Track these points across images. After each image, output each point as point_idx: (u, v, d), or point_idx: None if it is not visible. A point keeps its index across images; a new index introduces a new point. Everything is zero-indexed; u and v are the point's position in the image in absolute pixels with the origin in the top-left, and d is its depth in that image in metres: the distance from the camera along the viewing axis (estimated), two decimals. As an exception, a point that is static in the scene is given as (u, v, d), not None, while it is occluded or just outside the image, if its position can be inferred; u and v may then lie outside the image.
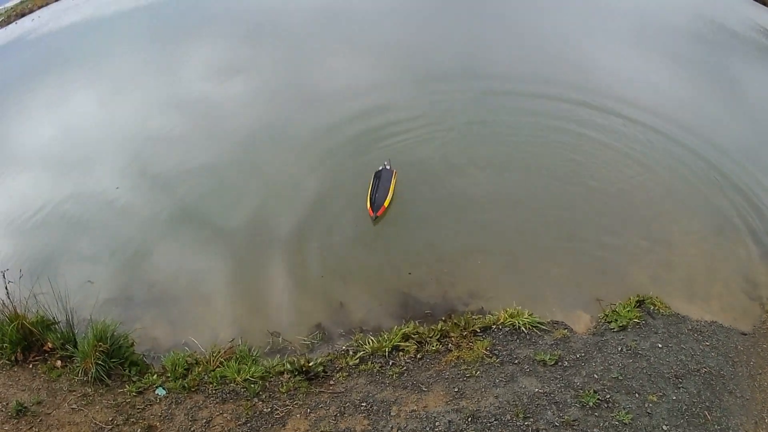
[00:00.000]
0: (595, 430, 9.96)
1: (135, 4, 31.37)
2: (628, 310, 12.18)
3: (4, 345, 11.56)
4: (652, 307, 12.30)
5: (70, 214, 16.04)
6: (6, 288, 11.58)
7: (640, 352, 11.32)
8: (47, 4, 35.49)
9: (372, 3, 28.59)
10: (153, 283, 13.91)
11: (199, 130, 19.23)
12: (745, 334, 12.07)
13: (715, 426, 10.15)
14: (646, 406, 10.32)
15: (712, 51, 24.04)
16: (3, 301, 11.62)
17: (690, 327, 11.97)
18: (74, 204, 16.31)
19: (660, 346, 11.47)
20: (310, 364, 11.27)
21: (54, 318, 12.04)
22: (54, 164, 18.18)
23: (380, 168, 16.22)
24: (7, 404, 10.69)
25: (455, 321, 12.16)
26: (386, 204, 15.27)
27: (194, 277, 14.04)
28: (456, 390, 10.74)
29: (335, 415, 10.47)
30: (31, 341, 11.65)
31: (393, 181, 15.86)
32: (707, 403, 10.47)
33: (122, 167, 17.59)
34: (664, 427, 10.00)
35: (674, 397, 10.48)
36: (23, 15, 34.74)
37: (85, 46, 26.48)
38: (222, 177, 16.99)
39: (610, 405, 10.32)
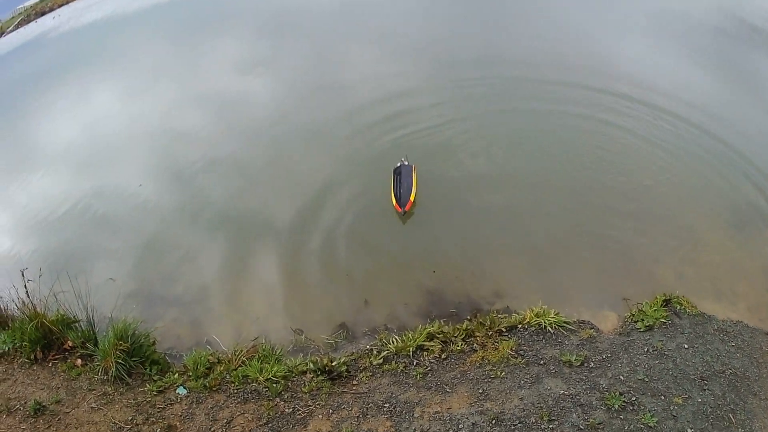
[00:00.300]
0: (620, 433, 9.67)
1: (155, 1, 31.16)
2: (655, 310, 11.76)
3: (24, 344, 11.34)
4: (678, 307, 11.87)
5: (92, 212, 15.84)
6: (25, 287, 11.28)
7: (666, 352, 10.94)
8: (68, 3, 35.34)
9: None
10: (175, 281, 13.64)
11: (220, 125, 18.96)
12: (771, 334, 11.71)
13: (740, 429, 9.78)
14: (672, 408, 9.95)
15: (735, 45, 23.53)
16: (23, 299, 11.37)
17: (716, 327, 11.55)
18: (96, 202, 16.07)
19: (686, 346, 11.08)
20: (333, 364, 10.94)
21: (74, 316, 11.77)
22: (75, 162, 18.03)
23: (398, 164, 15.86)
24: (25, 403, 10.45)
25: (481, 320, 11.77)
26: (412, 198, 14.91)
27: (218, 274, 13.74)
28: (480, 391, 10.39)
29: (358, 416, 10.15)
30: (51, 340, 11.42)
31: (414, 176, 15.53)
32: (732, 406, 10.10)
33: (145, 164, 17.37)
34: (689, 430, 9.64)
35: (699, 399, 10.12)
36: (43, 13, 34.66)
37: (106, 44, 26.35)
38: (244, 173, 16.71)
39: (635, 407, 9.96)
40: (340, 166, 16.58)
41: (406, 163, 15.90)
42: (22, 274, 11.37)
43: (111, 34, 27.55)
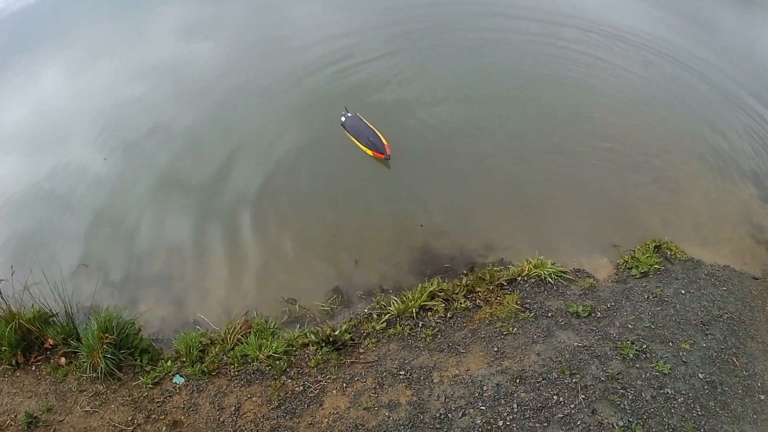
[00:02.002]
0: (638, 382, 8.80)
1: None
2: (648, 256, 10.89)
3: (3, 348, 9.04)
4: (669, 252, 11.08)
5: (52, 194, 12.96)
6: (-3, 286, 9.08)
7: (666, 299, 10.15)
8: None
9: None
10: (150, 259, 11.12)
11: (177, 92, 15.91)
12: (757, 279, 11.14)
13: (743, 372, 9.29)
14: (681, 354, 9.25)
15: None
16: (-3, 301, 9.11)
17: (706, 272, 10.87)
18: (55, 183, 13.05)
19: (683, 292, 10.34)
20: (336, 333, 9.41)
21: (51, 310, 9.54)
22: (31, 145, 15.27)
23: (342, 118, 13.99)
24: (15, 416, 8.42)
25: (479, 275, 10.47)
26: (385, 141, 13.16)
27: (194, 247, 11.48)
28: (495, 349, 9.21)
29: (374, 388, 8.76)
30: (30, 340, 9.19)
31: (367, 122, 13.77)
32: (734, 350, 9.55)
33: (104, 139, 14.26)
34: (700, 375, 9.00)
35: (704, 344, 9.47)
36: (-6, -7, 31.84)
37: (54, 19, 23.48)
38: (210, 140, 13.81)
39: (648, 355, 9.16)
40: (299, 125, 14.31)
41: (349, 114, 14.10)
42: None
43: (59, 8, 24.85)
